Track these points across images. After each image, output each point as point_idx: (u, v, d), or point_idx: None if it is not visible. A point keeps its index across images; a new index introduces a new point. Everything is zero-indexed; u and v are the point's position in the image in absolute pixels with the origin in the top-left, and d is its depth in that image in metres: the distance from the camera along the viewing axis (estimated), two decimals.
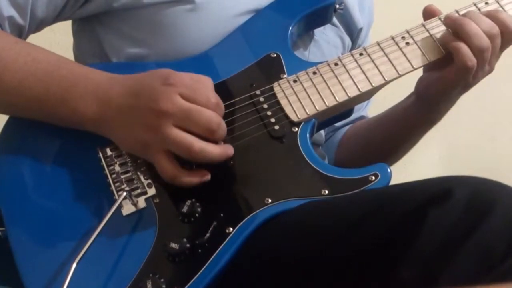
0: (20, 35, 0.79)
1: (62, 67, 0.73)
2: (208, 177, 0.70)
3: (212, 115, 0.68)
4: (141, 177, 0.72)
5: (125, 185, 0.71)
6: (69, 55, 0.86)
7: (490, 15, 0.77)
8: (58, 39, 1.08)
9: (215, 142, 0.69)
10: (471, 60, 0.75)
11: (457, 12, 0.80)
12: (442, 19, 0.80)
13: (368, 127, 1.00)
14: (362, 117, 1.05)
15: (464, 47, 0.75)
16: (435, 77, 0.80)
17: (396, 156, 0.98)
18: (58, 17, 0.82)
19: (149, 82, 0.69)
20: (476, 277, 0.53)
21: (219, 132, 0.68)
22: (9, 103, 0.74)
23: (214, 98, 0.69)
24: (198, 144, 0.67)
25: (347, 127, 1.04)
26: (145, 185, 0.72)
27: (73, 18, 0.88)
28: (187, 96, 0.68)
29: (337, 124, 1.01)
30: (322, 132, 0.96)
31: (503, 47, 0.78)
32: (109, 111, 0.70)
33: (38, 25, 0.81)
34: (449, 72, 0.77)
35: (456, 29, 0.76)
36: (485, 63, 0.76)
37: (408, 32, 0.80)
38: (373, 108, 1.06)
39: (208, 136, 0.68)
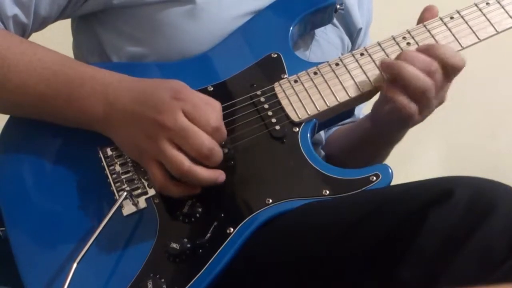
0: (23, 33, 0.79)
1: (67, 67, 0.73)
2: (197, 191, 0.70)
3: (205, 138, 0.67)
4: (142, 177, 0.72)
5: (125, 185, 0.71)
6: (69, 55, 0.86)
7: (427, 51, 0.73)
8: (57, 39, 1.08)
9: (208, 165, 0.68)
10: (410, 108, 0.73)
11: (458, 12, 0.80)
12: (444, 20, 0.80)
13: (345, 135, 1.00)
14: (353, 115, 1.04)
15: (399, 98, 0.72)
16: (384, 109, 0.78)
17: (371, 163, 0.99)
18: (60, 15, 0.82)
19: (159, 92, 0.69)
20: (477, 278, 0.53)
21: (210, 158, 0.67)
22: (14, 102, 0.74)
23: (215, 122, 0.68)
24: (188, 164, 0.66)
25: (335, 128, 1.04)
26: (146, 185, 0.72)
27: (74, 16, 0.88)
28: (189, 114, 0.67)
29: None
30: (322, 132, 0.96)
31: (448, 78, 0.75)
32: (115, 113, 0.70)
33: (41, 23, 0.81)
34: (394, 109, 0.75)
35: (392, 74, 0.74)
36: (430, 101, 0.74)
37: (409, 32, 0.80)
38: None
39: (199, 159, 0.67)
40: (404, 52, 0.74)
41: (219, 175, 0.69)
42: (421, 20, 0.81)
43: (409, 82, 0.72)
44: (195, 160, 0.67)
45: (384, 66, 0.75)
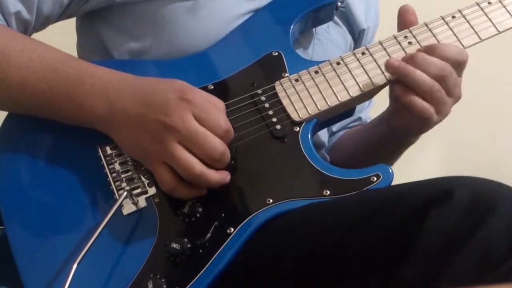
0: (25, 31, 0.79)
1: (67, 64, 0.72)
2: (204, 192, 0.69)
3: (217, 143, 0.67)
4: (142, 176, 0.72)
5: (125, 184, 0.71)
6: (72, 54, 0.85)
7: (438, 54, 0.73)
8: (58, 40, 1.08)
9: (216, 167, 0.68)
10: (428, 111, 0.72)
11: (460, 11, 0.80)
12: (446, 19, 0.80)
13: (355, 137, 0.99)
14: (359, 119, 1.04)
15: (415, 101, 0.72)
16: (400, 116, 0.78)
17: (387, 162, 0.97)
18: (63, 14, 0.82)
19: (164, 92, 0.68)
20: (477, 278, 0.52)
21: (221, 161, 0.67)
22: (13, 99, 0.74)
23: (224, 124, 0.68)
24: (200, 167, 0.66)
25: (343, 132, 1.03)
26: (146, 184, 0.72)
27: (77, 15, 0.87)
28: (198, 117, 0.67)
29: (333, 129, 1.02)
30: (324, 134, 0.95)
31: (459, 74, 0.75)
32: (117, 113, 0.69)
33: (43, 21, 0.80)
34: (412, 115, 0.74)
35: (400, 79, 0.73)
36: (442, 100, 0.73)
37: (410, 31, 0.80)
38: (375, 109, 1.06)
39: (209, 162, 0.67)
40: (416, 55, 0.73)
41: (227, 176, 0.69)
42: (404, 23, 0.79)
43: (417, 88, 0.72)
44: (204, 162, 0.67)
45: (391, 70, 0.74)
